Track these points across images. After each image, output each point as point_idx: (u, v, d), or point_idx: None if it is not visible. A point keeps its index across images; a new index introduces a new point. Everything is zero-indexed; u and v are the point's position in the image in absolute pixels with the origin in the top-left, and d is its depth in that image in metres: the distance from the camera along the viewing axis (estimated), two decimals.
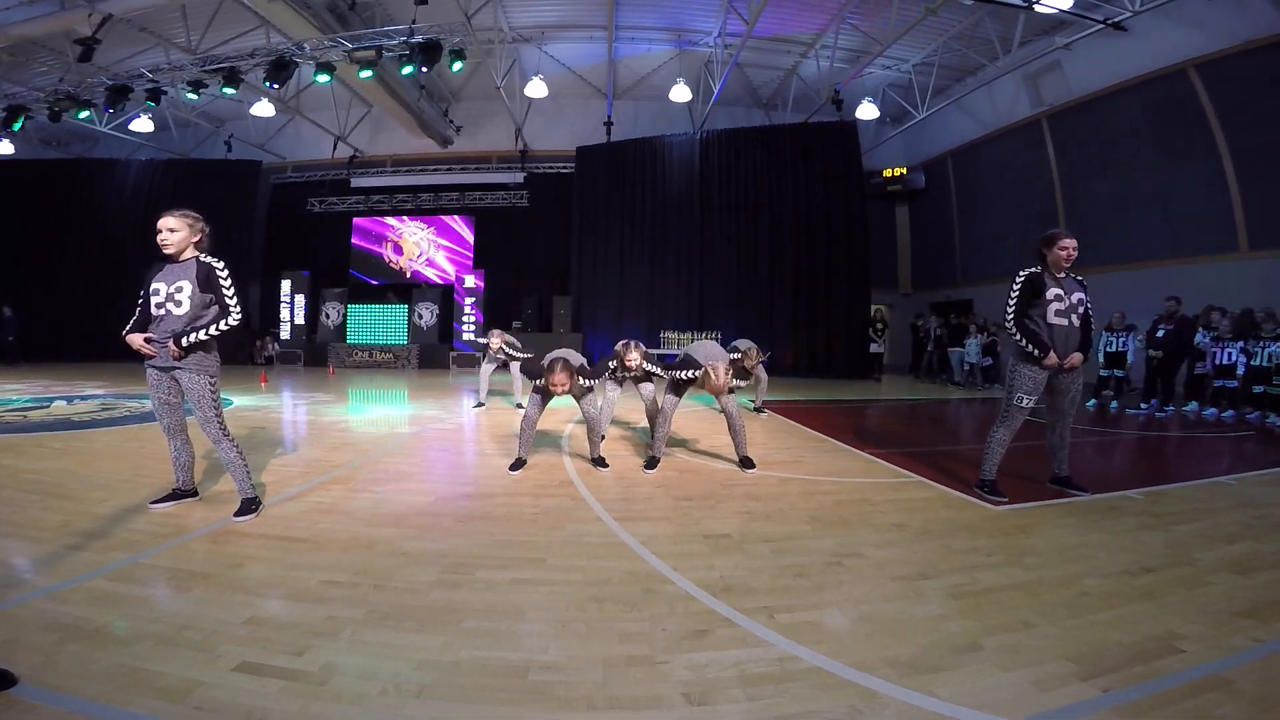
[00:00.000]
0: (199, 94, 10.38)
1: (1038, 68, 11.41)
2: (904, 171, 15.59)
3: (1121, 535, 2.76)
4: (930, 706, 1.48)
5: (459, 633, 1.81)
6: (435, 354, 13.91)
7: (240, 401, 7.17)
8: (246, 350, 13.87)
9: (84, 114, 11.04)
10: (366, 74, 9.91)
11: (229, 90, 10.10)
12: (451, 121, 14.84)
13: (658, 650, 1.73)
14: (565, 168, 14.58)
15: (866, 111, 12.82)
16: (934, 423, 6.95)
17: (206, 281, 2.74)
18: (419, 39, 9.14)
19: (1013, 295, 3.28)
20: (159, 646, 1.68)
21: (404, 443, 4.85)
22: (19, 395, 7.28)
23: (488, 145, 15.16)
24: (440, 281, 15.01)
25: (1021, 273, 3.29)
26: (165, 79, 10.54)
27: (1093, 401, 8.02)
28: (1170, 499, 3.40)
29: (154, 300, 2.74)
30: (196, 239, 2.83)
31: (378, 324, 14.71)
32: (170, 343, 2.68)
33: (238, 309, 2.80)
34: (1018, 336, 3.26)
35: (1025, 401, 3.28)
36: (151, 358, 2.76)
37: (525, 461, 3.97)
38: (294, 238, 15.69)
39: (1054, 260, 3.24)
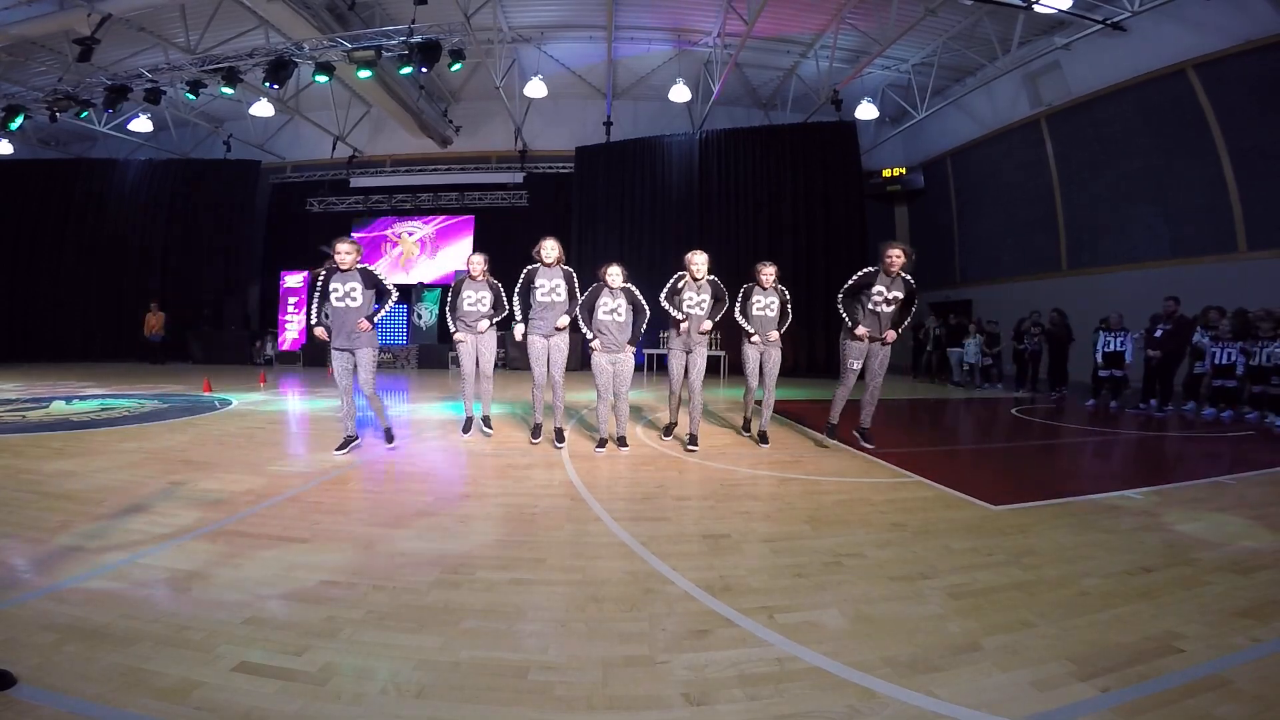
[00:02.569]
0: (198, 94, 10.37)
1: (1037, 68, 11.41)
2: (903, 172, 15.57)
3: (1121, 535, 2.76)
4: (929, 706, 1.48)
5: (459, 633, 1.81)
6: (435, 354, 13.90)
7: (240, 402, 7.16)
8: (245, 350, 13.84)
9: (83, 114, 11.03)
10: (366, 74, 9.90)
11: (228, 90, 10.08)
12: (451, 121, 14.83)
13: (657, 650, 1.73)
14: (565, 168, 14.57)
15: (866, 111, 12.81)
16: (934, 423, 6.95)
17: (370, 279, 4.17)
18: (418, 39, 9.12)
19: (849, 282, 4.40)
20: (159, 646, 1.68)
21: (404, 443, 4.85)
22: (19, 395, 7.27)
23: (487, 145, 15.15)
24: (440, 281, 15.01)
25: (863, 270, 4.39)
26: (164, 79, 10.52)
27: (1092, 401, 8.03)
28: (1170, 499, 3.40)
29: (334, 295, 4.07)
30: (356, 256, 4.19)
31: (377, 324, 14.65)
32: (362, 321, 4.10)
33: (393, 289, 4.29)
34: (841, 310, 4.40)
35: (855, 365, 4.48)
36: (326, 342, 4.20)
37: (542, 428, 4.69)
38: (293, 238, 15.67)
39: (884, 265, 4.28)
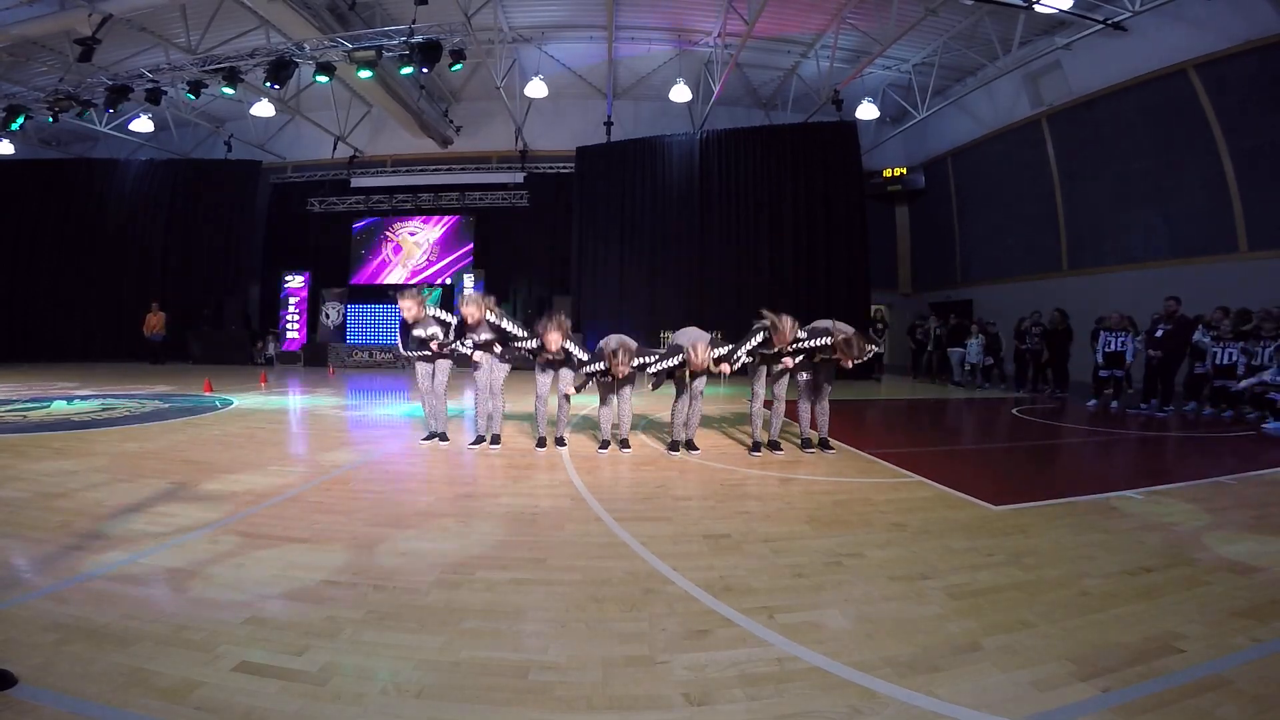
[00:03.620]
0: (199, 94, 10.37)
1: (1038, 68, 11.41)
2: (904, 171, 15.58)
3: (1121, 535, 2.76)
4: (930, 706, 1.48)
5: (459, 633, 1.81)
6: None
7: (241, 402, 7.16)
8: (246, 350, 13.85)
9: (84, 114, 11.03)
10: (366, 74, 9.90)
11: (229, 90, 10.09)
12: (451, 121, 14.84)
13: (657, 650, 1.73)
14: (565, 168, 14.57)
15: (866, 111, 12.82)
16: (934, 423, 6.95)
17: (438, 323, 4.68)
18: (419, 39, 9.13)
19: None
20: (159, 646, 1.68)
21: (403, 443, 4.85)
22: (19, 395, 7.28)
23: (488, 145, 15.15)
24: (440, 282, 15.02)
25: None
26: (165, 79, 10.53)
27: (1093, 401, 8.03)
28: (1170, 499, 3.40)
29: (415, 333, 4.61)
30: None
31: (378, 324, 14.71)
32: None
33: (444, 320, 4.76)
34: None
35: (804, 376, 4.64)
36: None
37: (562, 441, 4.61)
38: (294, 238, 15.68)
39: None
